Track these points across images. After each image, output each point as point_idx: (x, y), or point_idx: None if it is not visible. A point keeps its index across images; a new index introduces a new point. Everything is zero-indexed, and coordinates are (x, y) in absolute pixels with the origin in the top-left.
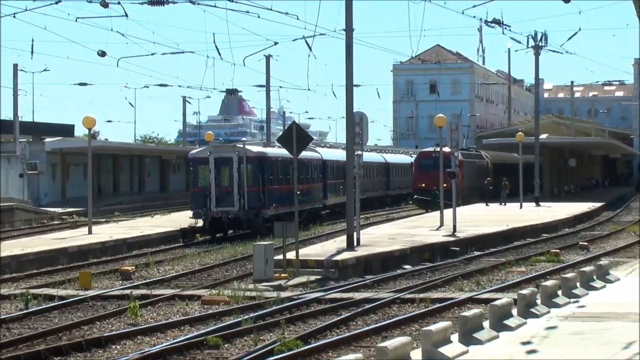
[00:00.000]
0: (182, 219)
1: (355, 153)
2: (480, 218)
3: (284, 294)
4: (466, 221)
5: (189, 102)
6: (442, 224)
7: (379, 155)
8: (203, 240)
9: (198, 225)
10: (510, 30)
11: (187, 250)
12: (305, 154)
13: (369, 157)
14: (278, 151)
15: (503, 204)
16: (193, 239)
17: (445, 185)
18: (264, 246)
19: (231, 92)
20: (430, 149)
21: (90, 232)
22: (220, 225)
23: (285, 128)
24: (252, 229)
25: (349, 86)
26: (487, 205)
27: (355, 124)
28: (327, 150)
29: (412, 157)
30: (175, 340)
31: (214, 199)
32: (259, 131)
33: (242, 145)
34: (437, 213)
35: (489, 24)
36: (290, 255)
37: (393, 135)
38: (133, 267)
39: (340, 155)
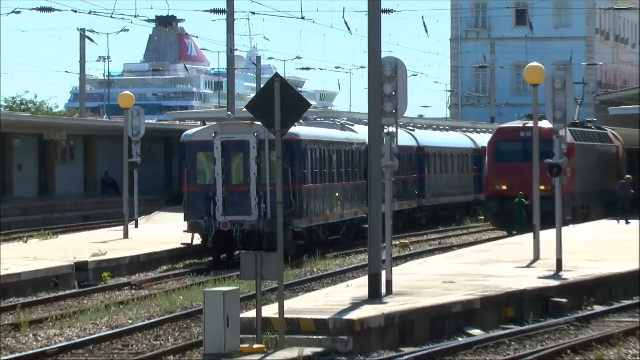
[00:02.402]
0: (79, 244)
1: (385, 130)
2: (605, 245)
3: None
4: (580, 252)
5: (92, 40)
6: (537, 257)
7: (464, 137)
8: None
9: (196, 242)
10: None
11: (90, 301)
12: (341, 135)
13: (448, 139)
14: (316, 131)
15: None
16: (99, 280)
17: (542, 187)
18: (222, 295)
19: (165, 23)
20: (517, 124)
21: None
22: (230, 243)
23: (262, 86)
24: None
25: (374, 13)
26: (622, 222)
27: (385, 79)
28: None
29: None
30: None
31: (221, 204)
32: (213, 91)
33: None
34: (528, 237)
35: None
36: (271, 310)
37: (451, 99)
38: None
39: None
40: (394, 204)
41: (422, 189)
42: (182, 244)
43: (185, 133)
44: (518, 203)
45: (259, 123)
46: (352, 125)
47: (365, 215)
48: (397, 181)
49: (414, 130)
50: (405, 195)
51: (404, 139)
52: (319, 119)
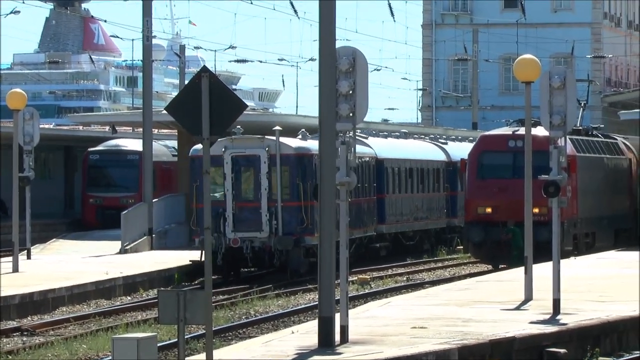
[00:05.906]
0: None
1: (340, 139)
2: (614, 282)
3: None
4: (583, 290)
5: None
6: (529, 297)
7: None
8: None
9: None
10: None
11: None
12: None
13: None
14: None
15: None
16: None
17: (536, 211)
18: (135, 342)
19: (66, 2)
20: (505, 131)
21: None
22: (240, 260)
23: (186, 83)
24: (288, 265)
25: None
26: None
27: (340, 75)
28: (389, 143)
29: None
30: None
31: (231, 220)
32: (125, 88)
33: (274, 138)
34: (518, 273)
35: None
36: None
37: (423, 100)
38: None
39: (406, 150)
40: (405, 222)
41: (453, 208)
42: (190, 261)
43: (193, 147)
44: (514, 229)
45: (271, 137)
46: (366, 138)
47: (374, 233)
48: (421, 199)
49: (446, 144)
50: (431, 214)
51: (432, 152)
52: None
